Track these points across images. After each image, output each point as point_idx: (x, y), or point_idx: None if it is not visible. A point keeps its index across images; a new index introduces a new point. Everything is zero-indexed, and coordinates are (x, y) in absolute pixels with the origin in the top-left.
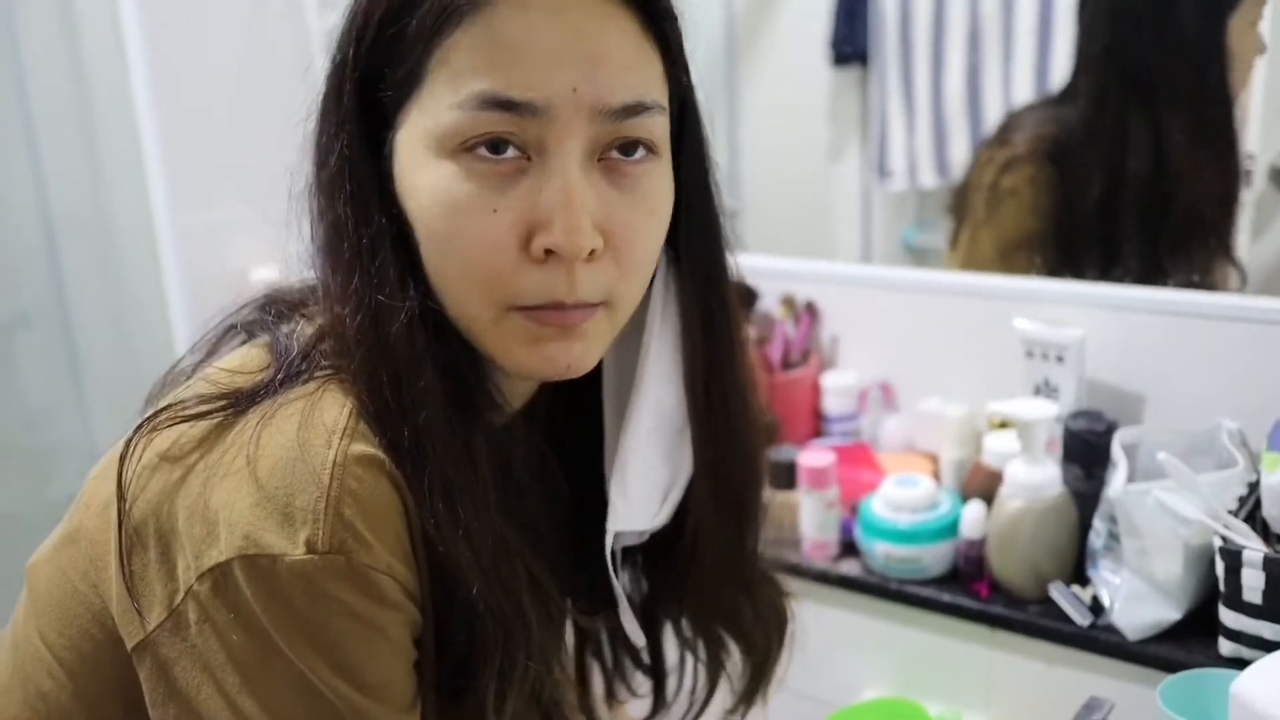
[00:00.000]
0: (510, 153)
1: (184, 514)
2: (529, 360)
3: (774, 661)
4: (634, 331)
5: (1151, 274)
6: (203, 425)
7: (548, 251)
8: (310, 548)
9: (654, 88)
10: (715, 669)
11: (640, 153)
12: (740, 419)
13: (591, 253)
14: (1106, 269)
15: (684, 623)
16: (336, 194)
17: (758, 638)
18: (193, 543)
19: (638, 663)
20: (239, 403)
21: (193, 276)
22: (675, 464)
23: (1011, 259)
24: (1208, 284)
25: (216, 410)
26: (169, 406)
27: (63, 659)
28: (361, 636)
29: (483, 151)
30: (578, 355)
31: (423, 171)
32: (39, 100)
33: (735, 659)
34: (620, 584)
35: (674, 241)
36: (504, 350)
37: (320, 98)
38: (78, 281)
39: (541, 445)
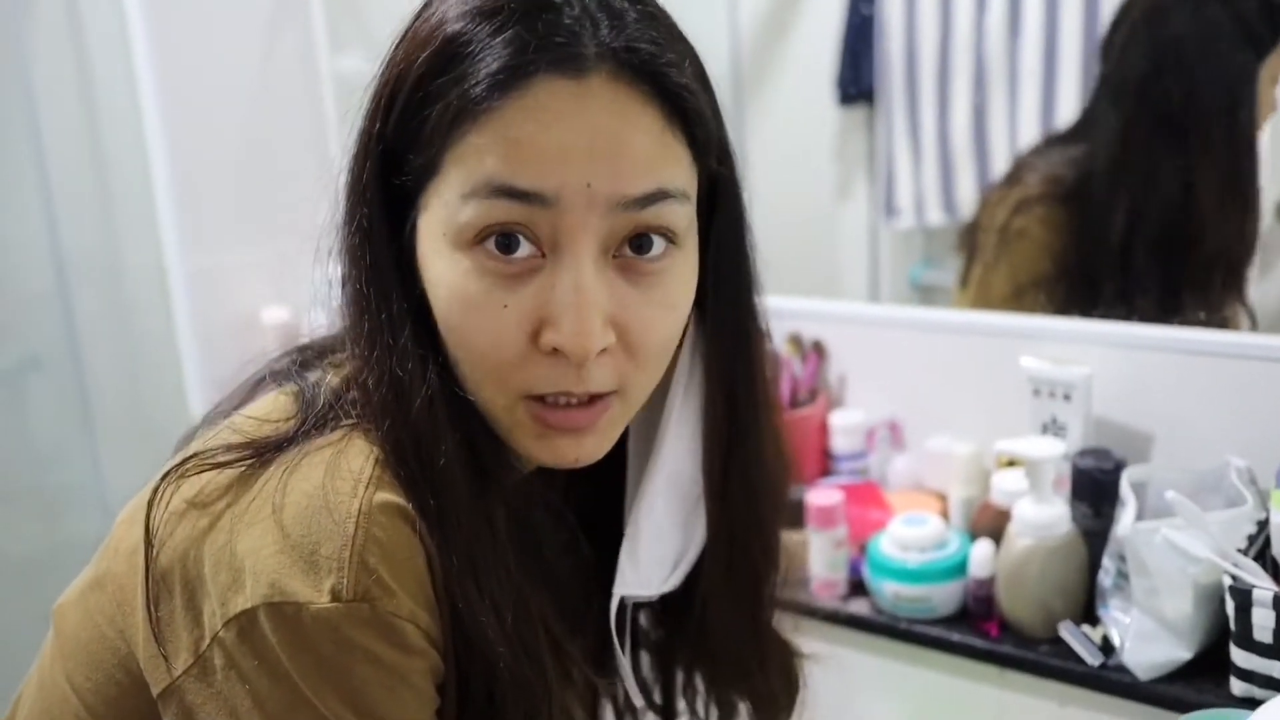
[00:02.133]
0: (523, 250)
1: (210, 561)
2: (538, 452)
3: None
4: (661, 394)
5: (1162, 313)
6: (229, 473)
7: (555, 349)
8: (335, 596)
9: (677, 177)
10: None
11: (659, 247)
12: (758, 495)
13: (603, 350)
14: (1119, 308)
15: (696, 680)
16: (359, 268)
17: (767, 701)
18: (218, 589)
19: (650, 704)
20: (265, 451)
21: (203, 319)
22: (689, 532)
23: (1022, 299)
24: (1215, 322)
25: (243, 459)
26: (196, 454)
27: (89, 703)
28: (386, 683)
29: (493, 248)
30: (588, 450)
31: (439, 262)
32: (51, 144)
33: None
34: (628, 639)
35: (703, 310)
36: (514, 439)
37: (347, 164)
38: (89, 324)
39: (558, 503)
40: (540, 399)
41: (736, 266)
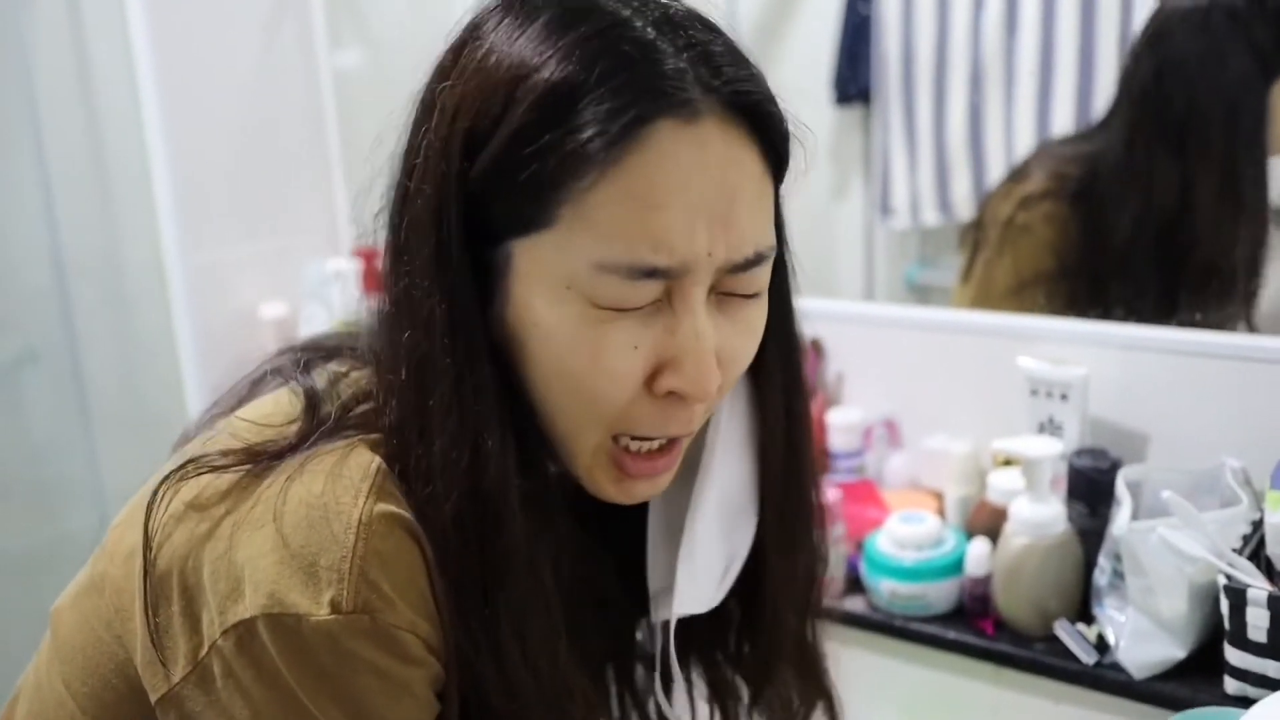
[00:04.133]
0: (648, 296)
1: (209, 567)
2: (614, 494)
3: None
4: None
5: (1160, 314)
6: (229, 477)
7: (671, 391)
8: (335, 608)
9: (770, 231)
10: None
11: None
12: (811, 500)
13: None
14: (1118, 308)
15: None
16: (432, 333)
17: (796, 707)
18: (217, 597)
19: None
20: (266, 457)
21: (202, 314)
22: (733, 544)
23: (1024, 295)
24: (1211, 323)
25: (244, 463)
26: (196, 458)
27: (85, 707)
28: (386, 694)
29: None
30: (659, 487)
31: (554, 308)
32: (51, 139)
33: None
34: (667, 656)
35: None
36: (591, 479)
37: (421, 211)
38: (87, 318)
39: (587, 540)
40: (619, 444)
41: (784, 279)
